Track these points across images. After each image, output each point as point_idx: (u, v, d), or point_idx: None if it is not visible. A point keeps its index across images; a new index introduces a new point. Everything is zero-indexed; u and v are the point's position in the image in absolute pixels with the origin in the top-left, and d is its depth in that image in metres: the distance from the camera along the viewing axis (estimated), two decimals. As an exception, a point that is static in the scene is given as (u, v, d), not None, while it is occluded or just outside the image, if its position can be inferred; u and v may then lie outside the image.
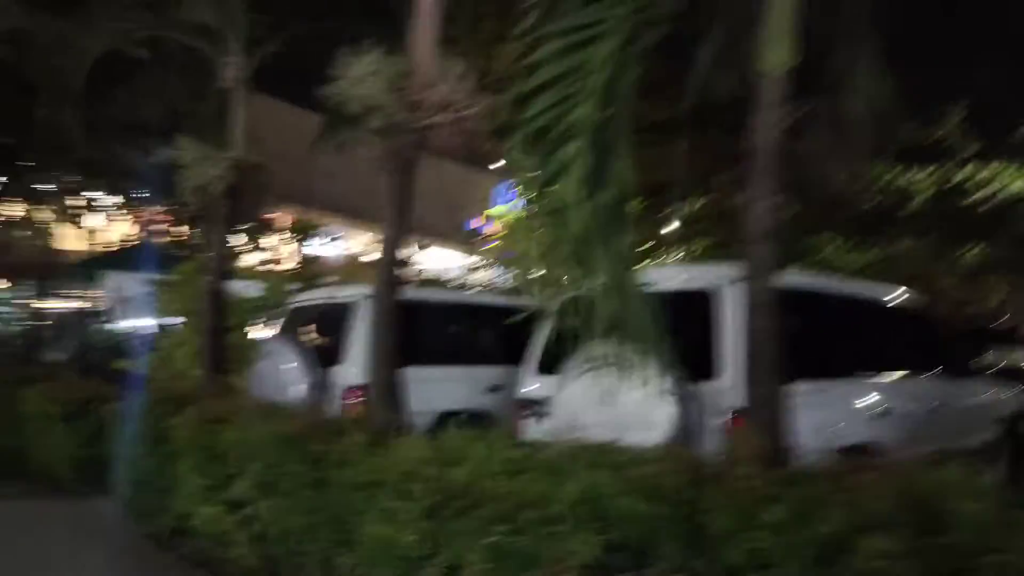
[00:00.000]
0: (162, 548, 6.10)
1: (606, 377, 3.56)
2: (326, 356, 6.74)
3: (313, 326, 7.28)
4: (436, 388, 6.38)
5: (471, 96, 4.95)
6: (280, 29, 7.50)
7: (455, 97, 4.84)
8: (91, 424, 7.85)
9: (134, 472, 6.29)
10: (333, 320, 7.07)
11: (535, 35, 3.43)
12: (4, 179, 15.28)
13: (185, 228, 19.53)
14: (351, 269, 15.43)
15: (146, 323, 12.46)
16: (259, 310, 8.98)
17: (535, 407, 5.22)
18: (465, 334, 7.62)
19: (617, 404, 3.91)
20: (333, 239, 17.27)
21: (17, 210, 16.65)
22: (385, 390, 5.06)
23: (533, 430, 5.07)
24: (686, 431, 4.28)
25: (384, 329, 5.09)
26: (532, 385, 5.48)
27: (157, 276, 10.18)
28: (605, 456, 3.43)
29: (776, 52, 3.68)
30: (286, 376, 6.64)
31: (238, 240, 7.64)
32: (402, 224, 5.32)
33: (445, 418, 6.01)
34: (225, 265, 7.30)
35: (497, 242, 14.85)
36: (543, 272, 3.72)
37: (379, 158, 5.07)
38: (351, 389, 6.36)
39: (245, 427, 4.97)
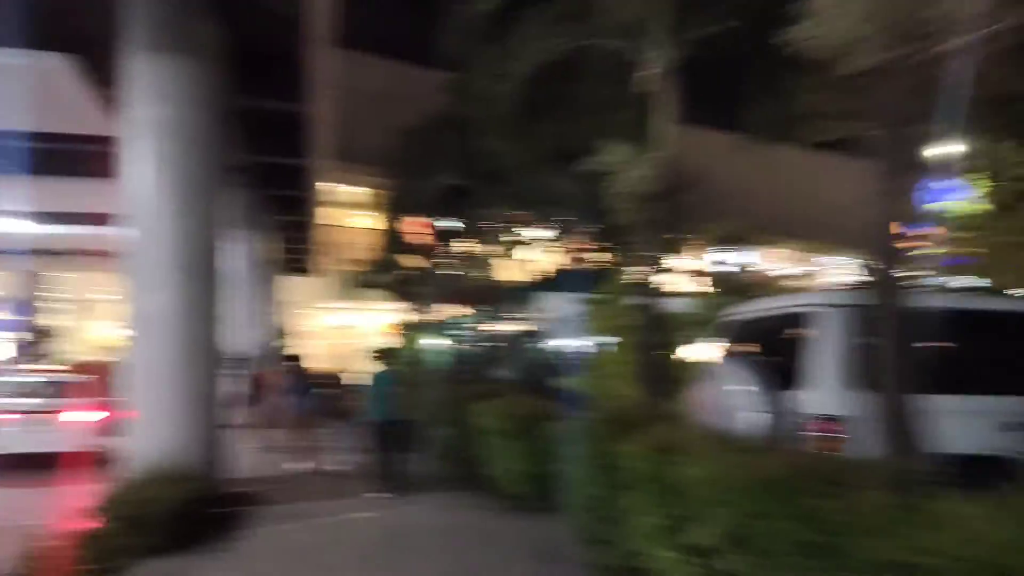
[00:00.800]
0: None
1: None
2: (779, 378, 5.65)
3: (761, 343, 6.26)
4: (953, 423, 4.83)
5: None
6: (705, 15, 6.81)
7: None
8: (537, 441, 7.97)
9: (581, 496, 5.97)
10: (786, 335, 5.98)
11: None
12: (456, 220, 17.31)
13: (608, 254, 20.23)
14: (768, 285, 14.02)
15: (580, 343, 12.85)
16: (694, 326, 8.31)
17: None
18: (988, 352, 5.83)
19: None
20: (744, 255, 16.02)
21: (466, 246, 18.81)
22: (895, 425, 3.82)
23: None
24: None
25: (893, 345, 3.86)
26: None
27: (587, 297, 10.20)
28: None
29: None
30: (733, 400, 5.72)
31: (667, 252, 6.97)
32: (891, 217, 4.07)
33: (965, 464, 4.46)
34: (656, 277, 6.72)
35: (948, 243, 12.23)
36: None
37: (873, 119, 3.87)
38: (819, 420, 5.18)
39: (708, 463, 4.15)
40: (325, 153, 23.45)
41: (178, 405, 8.80)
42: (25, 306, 36.92)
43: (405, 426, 10.96)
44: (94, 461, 10.95)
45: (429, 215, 16.22)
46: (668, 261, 7.09)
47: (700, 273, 12.64)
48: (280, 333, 24.57)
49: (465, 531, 7.92)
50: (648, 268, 6.91)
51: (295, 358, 13.86)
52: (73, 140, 17.57)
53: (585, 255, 23.39)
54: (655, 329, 6.53)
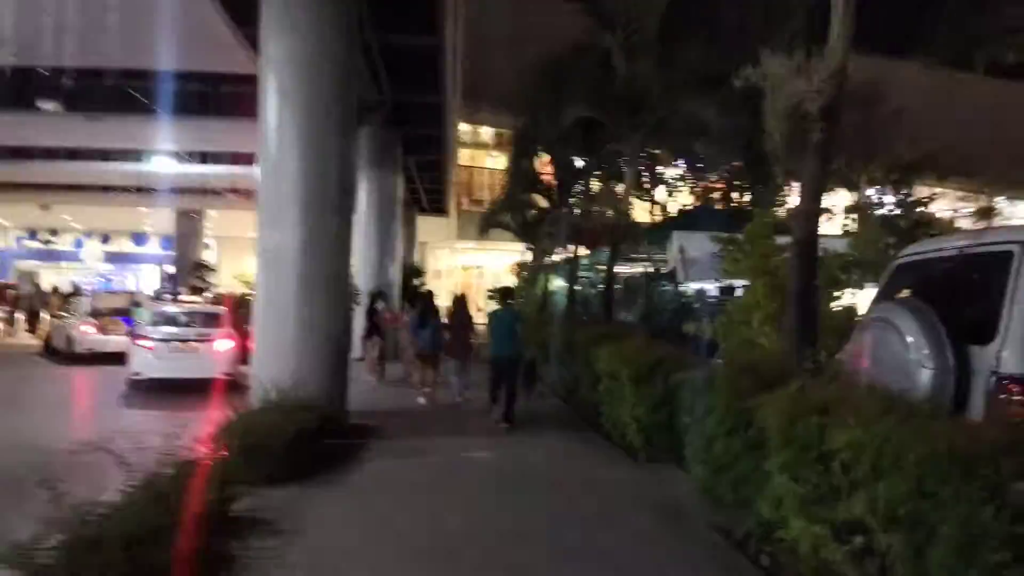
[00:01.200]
0: (739, 549, 5.07)
1: None
2: (959, 329, 4.71)
3: (936, 288, 5.28)
4: None
5: None
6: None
7: None
8: (659, 389, 7.39)
9: (708, 453, 5.36)
10: (971, 279, 5.01)
11: None
12: (587, 157, 16.51)
13: (749, 191, 18.88)
14: (942, 224, 12.40)
15: (713, 286, 11.99)
16: (854, 269, 7.34)
17: None
18: None
19: None
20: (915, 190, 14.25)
21: (597, 184, 18.02)
22: None
23: None
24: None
25: None
26: None
27: (723, 236, 9.32)
28: None
29: None
30: (899, 356, 4.85)
31: (827, 183, 5.99)
32: None
33: None
34: (817, 210, 5.79)
35: None
36: None
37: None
38: (1012, 380, 4.27)
39: (870, 428, 3.44)
40: (459, 91, 23.23)
41: (299, 337, 8.84)
42: (174, 242, 39.80)
43: (523, 364, 11.01)
44: (229, 389, 11.44)
45: (560, 152, 15.49)
46: (827, 194, 6.12)
47: (863, 209, 11.27)
48: (411, 271, 24.96)
49: (580, 477, 7.52)
50: (803, 201, 5.99)
51: (424, 295, 14.01)
52: (221, 80, 18.20)
53: (724, 192, 22.04)
54: (807, 272, 5.67)
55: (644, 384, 7.48)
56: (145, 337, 13.66)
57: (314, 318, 8.92)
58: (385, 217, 19.48)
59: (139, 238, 46.02)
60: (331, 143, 9.15)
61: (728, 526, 5.30)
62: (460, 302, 12.76)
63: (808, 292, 5.63)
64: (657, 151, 16.68)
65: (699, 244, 11.42)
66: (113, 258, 47.30)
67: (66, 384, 14.97)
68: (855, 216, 11.81)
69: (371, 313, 15.28)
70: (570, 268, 16.28)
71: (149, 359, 13.30)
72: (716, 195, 22.99)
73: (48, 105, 14.53)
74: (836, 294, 7.58)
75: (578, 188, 16.40)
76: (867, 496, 3.49)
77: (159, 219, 37.65)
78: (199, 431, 6.73)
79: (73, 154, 21.53)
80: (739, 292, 9.44)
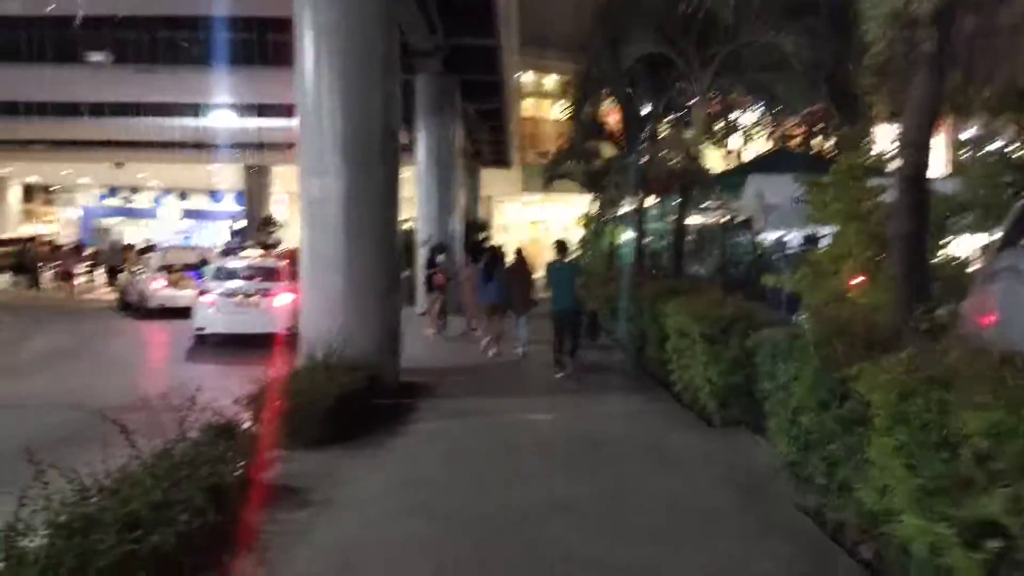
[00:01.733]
0: (833, 538, 4.35)
1: None
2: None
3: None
4: None
5: None
6: None
7: None
8: (735, 349, 6.61)
9: (795, 427, 4.61)
10: None
11: None
12: (655, 100, 15.39)
13: (834, 132, 17.41)
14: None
15: (794, 234, 10.98)
16: (971, 213, 6.33)
17: None
18: None
19: None
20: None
21: (666, 129, 16.87)
22: None
23: None
24: None
25: None
26: None
27: (809, 180, 8.34)
28: None
29: None
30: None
31: (937, 109, 4.95)
32: None
33: None
34: (928, 139, 4.82)
35: None
36: None
37: None
38: None
39: (1018, 410, 2.66)
40: (515, 33, 22.22)
41: (346, 292, 8.39)
42: (240, 196, 40.21)
43: (585, 318, 10.84)
44: (290, 344, 11.22)
45: (625, 95, 14.43)
46: (936, 122, 5.11)
47: (979, 140, 9.90)
48: (474, 224, 24.41)
49: (648, 444, 6.85)
50: (911, 129, 4.99)
51: (491, 249, 13.95)
52: (272, 27, 17.61)
53: (804, 135, 20.51)
54: (917, 211, 4.74)
55: (718, 343, 6.71)
56: (207, 292, 13.58)
57: (361, 271, 8.44)
58: (443, 167, 18.90)
59: (215, 195, 46.88)
60: (373, 84, 8.55)
61: (819, 510, 4.57)
62: (519, 256, 12.52)
63: (919, 236, 4.70)
64: (730, 92, 15.40)
65: (779, 189, 10.37)
66: (190, 215, 48.45)
67: (130, 339, 15.15)
68: (965, 151, 10.44)
69: (431, 266, 14.83)
70: (638, 219, 15.35)
71: (211, 314, 13.22)
72: (795, 141, 21.44)
73: (97, 57, 14.25)
74: (943, 242, 6.58)
75: (645, 134, 15.32)
76: (1010, 493, 2.73)
77: (228, 176, 38.08)
78: (243, 391, 6.37)
79: (122, 109, 21.54)
80: (825, 241, 8.47)
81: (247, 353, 10.43)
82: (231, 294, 13.52)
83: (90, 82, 17.13)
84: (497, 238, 31.65)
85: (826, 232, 8.37)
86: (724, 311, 6.88)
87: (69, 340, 14.34)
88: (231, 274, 14.47)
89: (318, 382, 6.91)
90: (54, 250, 29.29)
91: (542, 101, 40.13)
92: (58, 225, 44.48)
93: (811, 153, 19.11)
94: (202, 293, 13.64)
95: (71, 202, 46.77)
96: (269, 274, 14.50)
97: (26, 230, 39.01)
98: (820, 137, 20.43)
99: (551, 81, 38.91)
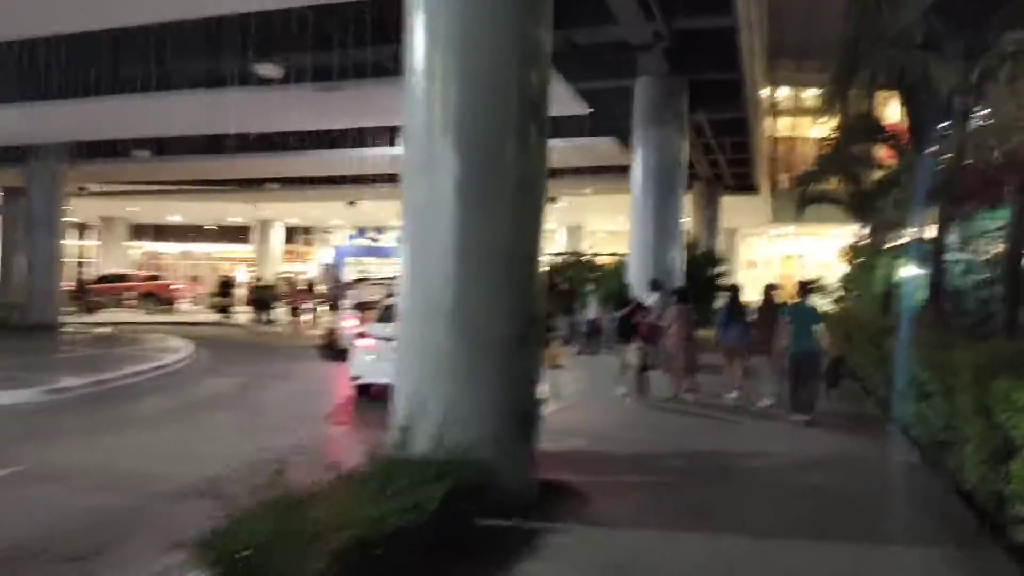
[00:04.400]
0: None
1: None
2: None
3: None
4: None
5: None
6: None
7: None
8: None
9: None
10: None
11: None
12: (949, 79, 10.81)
13: None
14: None
15: None
16: None
17: None
18: None
19: None
20: None
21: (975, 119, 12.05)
22: None
23: None
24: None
25: None
26: None
27: None
28: None
29: None
30: None
31: None
32: None
33: None
34: None
35: None
36: None
37: None
38: None
39: None
40: (762, 13, 18.04)
41: (451, 343, 5.50)
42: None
43: (825, 361, 9.95)
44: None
45: (917, 66, 10.00)
46: None
47: None
48: (703, 258, 20.53)
49: None
50: None
51: (728, 289, 12.47)
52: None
53: None
54: None
55: None
56: (367, 336, 11.52)
57: (473, 313, 5.51)
58: (664, 187, 15.53)
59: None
60: (500, 27, 5.65)
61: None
62: (767, 295, 11.41)
63: None
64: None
65: None
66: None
67: (296, 385, 13.46)
68: None
69: (633, 309, 11.52)
70: (935, 246, 10.83)
71: (369, 362, 11.04)
72: None
73: (268, 70, 12.68)
74: None
75: (949, 127, 10.73)
76: None
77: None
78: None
79: (347, 139, 20.68)
80: None
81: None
82: (393, 338, 11.31)
83: (253, 107, 15.92)
84: (745, 277, 27.24)
85: None
86: None
87: (231, 385, 13.13)
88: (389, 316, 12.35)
89: (368, 515, 4.03)
90: (293, 288, 30.31)
91: (799, 120, 34.95)
92: (314, 265, 47.51)
93: None
94: (361, 336, 11.61)
95: (327, 242, 49.91)
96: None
97: (287, 269, 41.86)
98: None
99: (809, 97, 33.64)
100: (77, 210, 34.35)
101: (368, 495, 4.26)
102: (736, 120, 19.44)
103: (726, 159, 24.32)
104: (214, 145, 22.15)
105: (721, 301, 13.79)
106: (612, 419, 9.56)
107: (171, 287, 35.44)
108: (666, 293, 12.80)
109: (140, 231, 45.65)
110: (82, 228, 43.64)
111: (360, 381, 11.17)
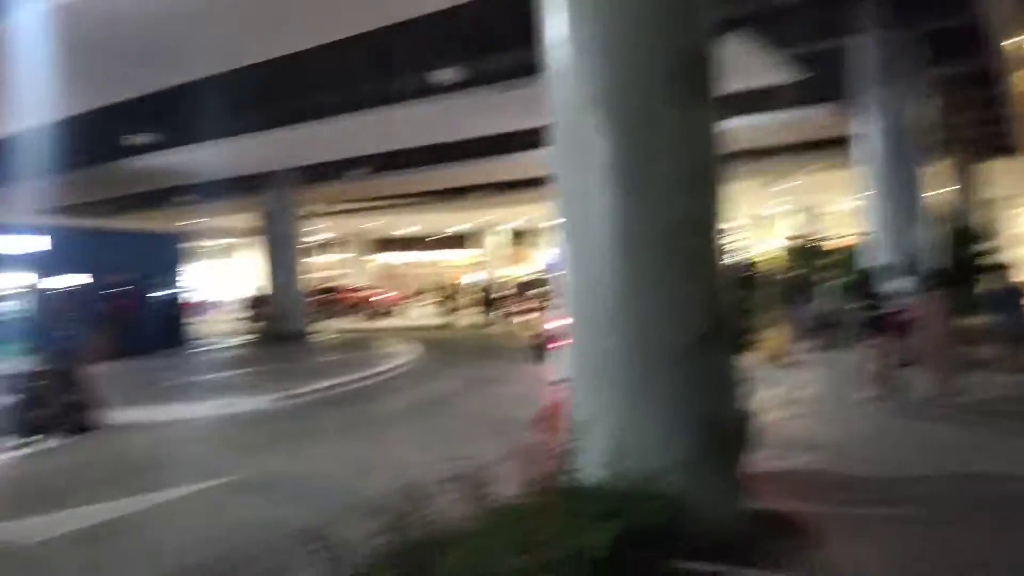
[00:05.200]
0: None
1: None
2: None
3: None
4: None
5: None
6: None
7: None
8: None
9: None
10: None
11: None
12: None
13: None
14: None
15: None
16: None
17: None
18: None
19: None
20: None
21: None
22: None
23: None
24: None
25: None
26: None
27: None
28: None
29: None
30: None
31: None
32: None
33: None
34: None
35: None
36: None
37: None
38: None
39: None
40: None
41: (619, 352, 4.70)
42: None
43: None
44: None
45: None
46: None
47: None
48: (962, 234, 17.42)
49: None
50: None
51: (997, 268, 11.99)
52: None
53: None
54: None
55: None
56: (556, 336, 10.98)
57: (645, 316, 4.65)
58: (903, 158, 13.30)
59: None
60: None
61: None
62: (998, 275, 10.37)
63: None
64: None
65: None
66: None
67: (495, 390, 13.15)
68: None
69: (876, 298, 9.79)
70: None
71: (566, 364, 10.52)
72: None
73: (444, 75, 12.50)
74: None
75: None
76: None
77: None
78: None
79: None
80: None
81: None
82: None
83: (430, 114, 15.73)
84: (1004, 252, 22.84)
85: None
86: None
87: (443, 391, 13.17)
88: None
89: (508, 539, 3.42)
90: (514, 290, 30.82)
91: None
92: (534, 266, 48.29)
93: None
94: (552, 336, 11.07)
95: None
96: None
97: (516, 271, 42.92)
98: None
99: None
100: (323, 229, 37.68)
101: (509, 538, 3.60)
102: (981, 72, 16.25)
103: (975, 118, 20.59)
104: (427, 157, 22.88)
105: (988, 284, 11.61)
106: (853, 430, 8.05)
107: (373, 298, 36.41)
108: (916, 277, 10.84)
109: (383, 244, 49.59)
110: (329, 245, 48.21)
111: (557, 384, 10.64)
